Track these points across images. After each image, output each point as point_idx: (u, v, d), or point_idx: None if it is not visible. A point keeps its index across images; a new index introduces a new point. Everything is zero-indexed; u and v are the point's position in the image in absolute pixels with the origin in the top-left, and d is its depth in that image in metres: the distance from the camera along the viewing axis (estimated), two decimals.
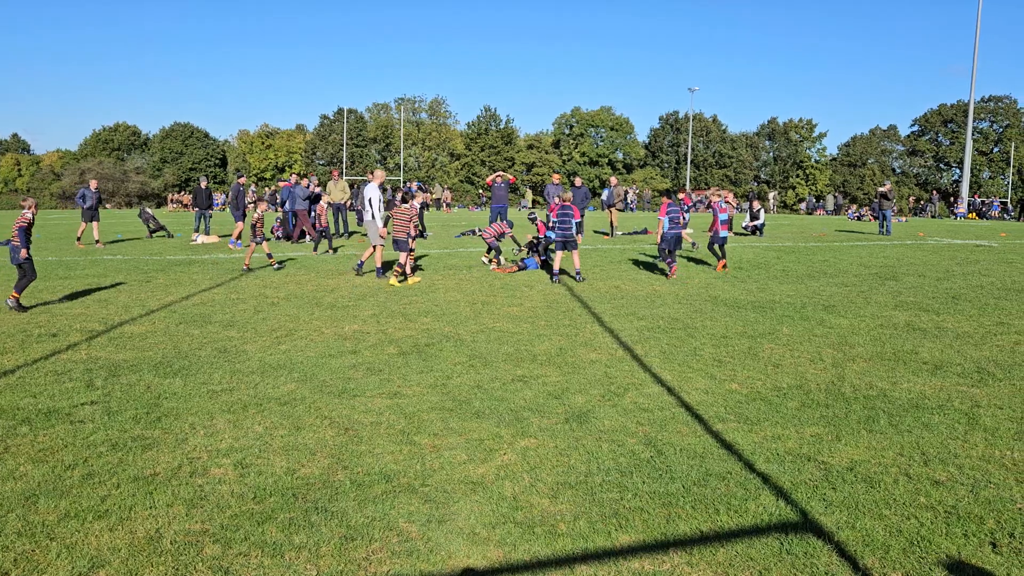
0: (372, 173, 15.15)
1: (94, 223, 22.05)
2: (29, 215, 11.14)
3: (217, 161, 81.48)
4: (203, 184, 24.71)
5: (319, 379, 7.35)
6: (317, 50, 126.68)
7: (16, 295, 10.87)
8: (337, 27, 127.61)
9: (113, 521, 4.35)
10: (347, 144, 73.21)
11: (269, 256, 16.30)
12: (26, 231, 11.03)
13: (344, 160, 70.82)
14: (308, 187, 22.38)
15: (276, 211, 17.88)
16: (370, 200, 14.88)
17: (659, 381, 7.39)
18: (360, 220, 28.35)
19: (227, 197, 45.14)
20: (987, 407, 6.55)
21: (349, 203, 25.14)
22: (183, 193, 65.46)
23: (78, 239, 22.31)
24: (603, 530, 4.30)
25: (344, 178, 31.26)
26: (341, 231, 25.07)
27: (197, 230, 23.95)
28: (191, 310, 10.99)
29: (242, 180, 23.00)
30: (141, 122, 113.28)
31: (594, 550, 4.08)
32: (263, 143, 79.82)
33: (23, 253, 10.91)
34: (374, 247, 14.93)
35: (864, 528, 4.31)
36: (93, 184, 22.81)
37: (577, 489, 4.85)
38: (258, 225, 16.02)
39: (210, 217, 24.21)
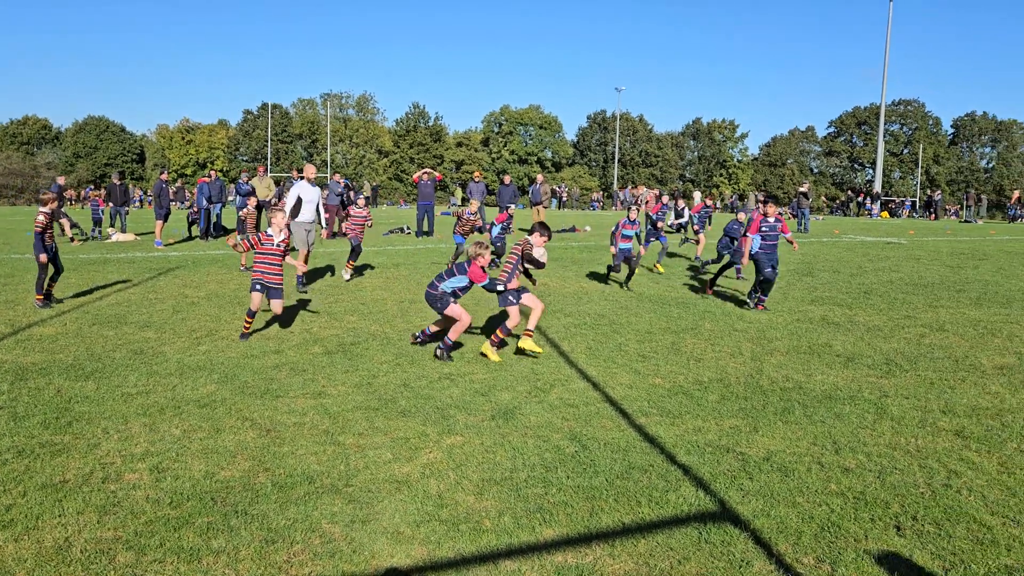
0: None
1: None
2: (42, 219, 10.89)
3: (135, 157, 78.70)
4: (117, 180, 23.85)
5: (240, 380, 7.19)
6: (240, 44, 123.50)
7: (39, 296, 10.88)
8: (261, 20, 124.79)
9: (19, 531, 4.16)
10: (272, 140, 71.70)
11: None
12: (41, 235, 10.81)
13: (269, 156, 69.33)
14: (340, 183, 23.60)
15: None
16: (299, 199, 12.84)
17: (584, 377, 7.48)
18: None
19: (146, 193, 43.68)
20: (894, 397, 6.85)
21: (277, 201, 24.59)
22: (97, 190, 62.92)
23: None
24: (527, 525, 4.33)
25: (269, 175, 30.59)
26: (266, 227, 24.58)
27: (112, 227, 23.11)
28: (105, 311, 10.60)
29: (164, 176, 22.27)
30: (52, 115, 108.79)
31: (519, 545, 4.11)
32: (183, 138, 77.48)
33: (42, 258, 10.75)
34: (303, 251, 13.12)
35: (778, 515, 4.46)
36: None
37: (502, 485, 4.88)
38: (248, 222, 15.83)
39: (126, 214, 23.37)
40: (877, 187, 52.09)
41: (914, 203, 57.08)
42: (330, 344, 8.74)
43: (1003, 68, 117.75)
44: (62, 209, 24.45)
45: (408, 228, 25.72)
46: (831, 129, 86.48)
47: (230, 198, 35.84)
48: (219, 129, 79.26)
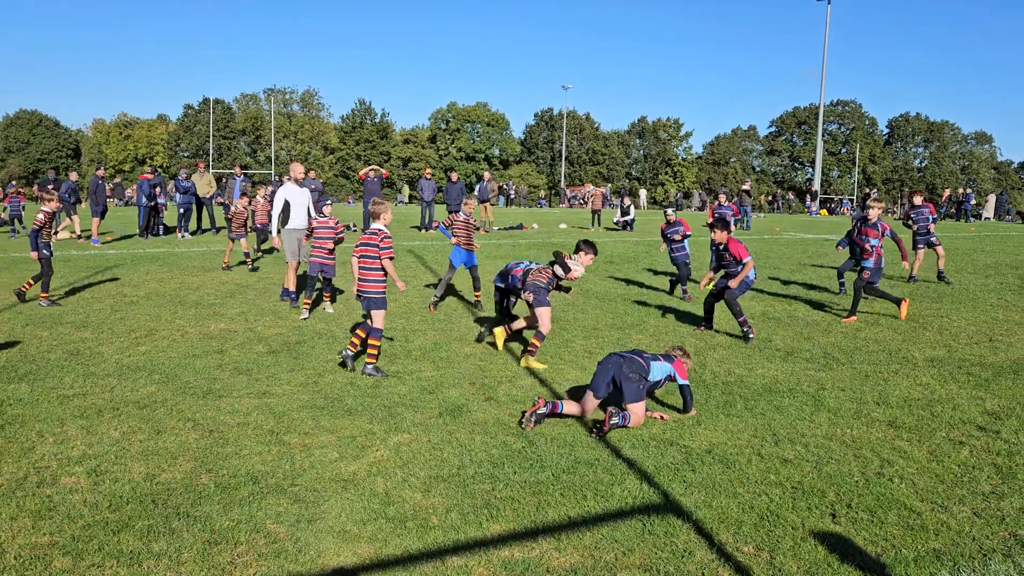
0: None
1: None
2: (41, 217, 10.87)
3: (69, 152, 76.33)
4: (51, 176, 23.13)
5: (182, 380, 7.06)
6: (181, 36, 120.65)
7: (44, 295, 10.80)
8: (202, 12, 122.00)
9: None
10: (213, 136, 70.19)
11: (246, 255, 15.26)
12: (37, 232, 10.83)
13: (210, 152, 67.87)
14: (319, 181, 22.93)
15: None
16: (286, 202, 11.20)
17: (531, 373, 7.53)
18: (228, 214, 27.31)
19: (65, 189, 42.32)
20: (831, 389, 7.06)
21: (219, 198, 24.11)
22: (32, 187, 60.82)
23: None
24: (475, 521, 4.35)
25: (211, 171, 29.97)
26: (208, 226, 24.11)
27: (64, 225, 22.39)
28: (39, 311, 10.28)
29: (101, 173, 21.65)
30: None
31: (466, 541, 4.13)
32: (121, 133, 75.40)
33: (32, 255, 10.86)
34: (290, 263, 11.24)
35: (720, 506, 4.56)
36: None
37: (450, 482, 4.89)
38: (236, 221, 15.18)
39: (61, 211, 22.65)
40: (816, 185, 53.45)
41: (852, 201, 58.70)
42: (274, 343, 8.63)
43: (936, 71, 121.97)
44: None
45: (355, 226, 25.48)
46: (772, 128, 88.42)
47: (172, 195, 35.03)
48: (158, 124, 77.38)
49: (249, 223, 16.10)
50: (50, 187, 11.25)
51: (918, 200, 14.90)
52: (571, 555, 3.99)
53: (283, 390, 6.83)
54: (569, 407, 6.02)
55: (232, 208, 16.20)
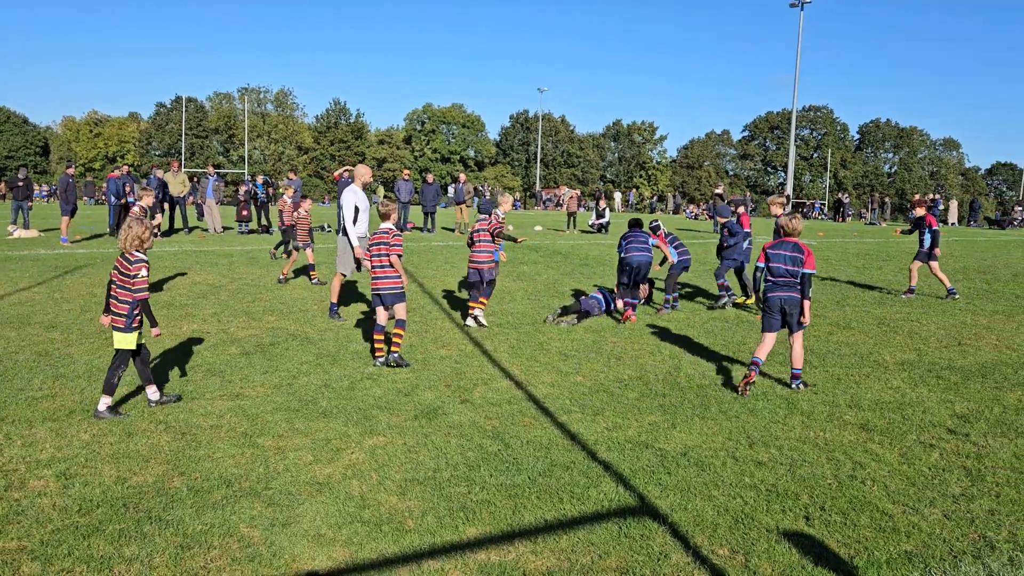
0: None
1: None
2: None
3: (38, 149, 75.10)
4: (21, 173, 22.72)
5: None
6: (153, 33, 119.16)
7: None
8: (174, 9, 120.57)
9: None
10: (186, 134, 69.41)
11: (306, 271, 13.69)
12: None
13: (183, 151, 67.11)
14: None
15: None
16: (356, 208, 10.03)
17: (508, 375, 7.53)
18: (200, 214, 27.01)
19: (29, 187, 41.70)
20: (804, 392, 7.12)
21: (191, 198, 23.88)
22: None
23: None
24: (451, 524, 4.34)
25: (184, 170, 29.64)
26: (181, 226, 23.83)
27: (14, 223, 22.00)
28: (7, 310, 10.09)
29: (71, 171, 21.30)
30: None
31: (442, 544, 4.11)
32: (91, 131, 74.31)
33: None
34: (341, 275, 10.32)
35: (695, 509, 4.59)
36: None
37: (425, 485, 4.87)
38: (300, 227, 13.64)
39: (29, 209, 22.26)
40: (788, 190, 53.99)
41: (823, 206, 59.41)
42: (248, 345, 8.55)
43: (905, 78, 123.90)
44: None
45: (328, 226, 25.30)
46: (746, 133, 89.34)
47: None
48: (130, 122, 76.38)
49: (270, 221, 14.85)
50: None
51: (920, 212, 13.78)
52: (547, 558, 3.99)
53: (257, 392, 6.77)
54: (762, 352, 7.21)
55: (291, 214, 14.81)
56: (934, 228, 13.18)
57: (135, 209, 10.78)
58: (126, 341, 6.05)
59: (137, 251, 6.10)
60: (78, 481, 4.77)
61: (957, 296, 12.99)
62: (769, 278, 7.31)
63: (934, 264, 13.15)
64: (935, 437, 5.96)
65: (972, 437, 5.96)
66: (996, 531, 4.38)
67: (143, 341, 6.26)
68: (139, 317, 6.11)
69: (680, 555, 4.04)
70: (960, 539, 4.28)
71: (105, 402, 5.98)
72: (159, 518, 4.30)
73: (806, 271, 7.15)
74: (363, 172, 10.32)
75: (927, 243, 13.18)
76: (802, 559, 4.02)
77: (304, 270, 14.21)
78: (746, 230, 12.09)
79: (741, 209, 12.49)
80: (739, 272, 12.25)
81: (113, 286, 6.11)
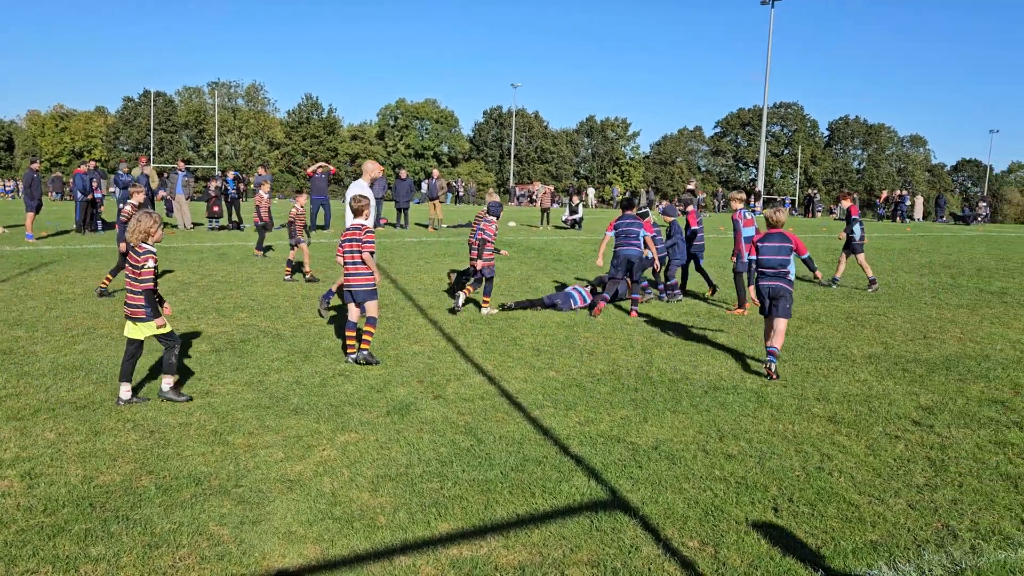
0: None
1: None
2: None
3: (2, 144, 73.69)
4: None
5: None
6: (121, 25, 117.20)
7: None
8: (143, 2, 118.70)
9: None
10: (155, 129, 68.46)
11: (288, 264, 13.28)
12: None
13: (151, 146, 66.20)
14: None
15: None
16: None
17: (480, 371, 7.53)
18: (169, 210, 26.66)
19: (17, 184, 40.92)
20: (773, 386, 7.21)
21: (161, 193, 23.54)
22: None
23: None
24: (423, 520, 4.33)
25: (152, 165, 29.24)
26: None
27: None
28: None
29: (36, 166, 20.91)
30: None
31: (414, 540, 4.11)
32: (57, 125, 73.03)
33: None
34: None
35: (666, 502, 4.63)
36: None
37: (398, 481, 4.86)
38: (297, 223, 13.21)
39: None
40: (760, 186, 54.47)
41: (794, 201, 60.05)
42: (218, 342, 8.47)
43: (873, 75, 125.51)
44: None
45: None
46: (717, 129, 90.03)
47: (111, 190, 34.09)
48: (96, 116, 75.18)
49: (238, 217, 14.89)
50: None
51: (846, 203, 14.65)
52: (519, 552, 4.00)
53: (227, 389, 6.70)
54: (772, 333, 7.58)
55: (267, 210, 15.28)
56: (856, 217, 13.94)
57: (126, 208, 10.60)
58: (155, 328, 6.21)
59: (144, 243, 6.20)
60: (43, 481, 4.70)
61: (877, 287, 13.55)
62: (759, 270, 7.77)
63: (860, 256, 13.91)
64: (900, 429, 6.06)
65: (936, 428, 6.06)
66: (959, 520, 4.47)
67: (142, 337, 6.29)
68: (160, 303, 6.34)
69: (651, 548, 4.07)
70: (924, 528, 4.36)
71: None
72: (126, 517, 4.25)
73: (803, 257, 8.03)
74: (371, 168, 9.94)
75: (857, 234, 13.86)
76: (771, 550, 4.07)
77: (299, 267, 14.04)
78: (693, 227, 12.55)
79: (691, 208, 12.81)
80: (699, 268, 12.58)
81: (127, 280, 6.25)
